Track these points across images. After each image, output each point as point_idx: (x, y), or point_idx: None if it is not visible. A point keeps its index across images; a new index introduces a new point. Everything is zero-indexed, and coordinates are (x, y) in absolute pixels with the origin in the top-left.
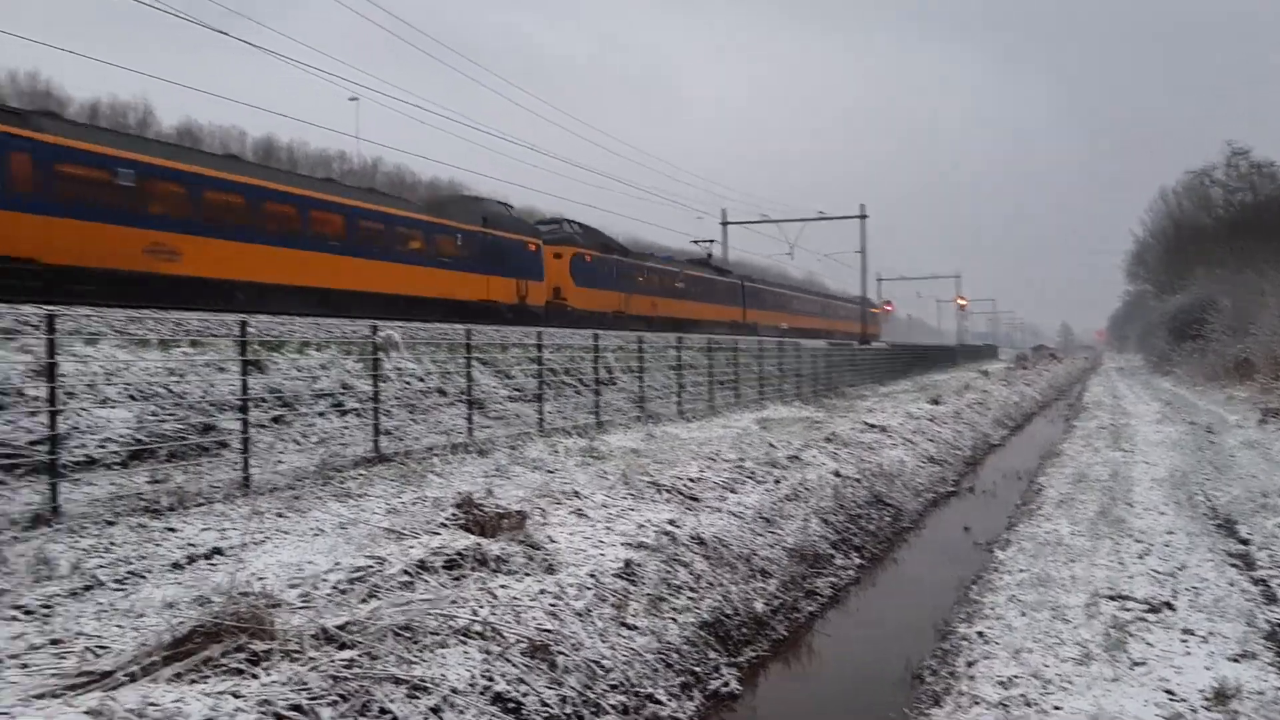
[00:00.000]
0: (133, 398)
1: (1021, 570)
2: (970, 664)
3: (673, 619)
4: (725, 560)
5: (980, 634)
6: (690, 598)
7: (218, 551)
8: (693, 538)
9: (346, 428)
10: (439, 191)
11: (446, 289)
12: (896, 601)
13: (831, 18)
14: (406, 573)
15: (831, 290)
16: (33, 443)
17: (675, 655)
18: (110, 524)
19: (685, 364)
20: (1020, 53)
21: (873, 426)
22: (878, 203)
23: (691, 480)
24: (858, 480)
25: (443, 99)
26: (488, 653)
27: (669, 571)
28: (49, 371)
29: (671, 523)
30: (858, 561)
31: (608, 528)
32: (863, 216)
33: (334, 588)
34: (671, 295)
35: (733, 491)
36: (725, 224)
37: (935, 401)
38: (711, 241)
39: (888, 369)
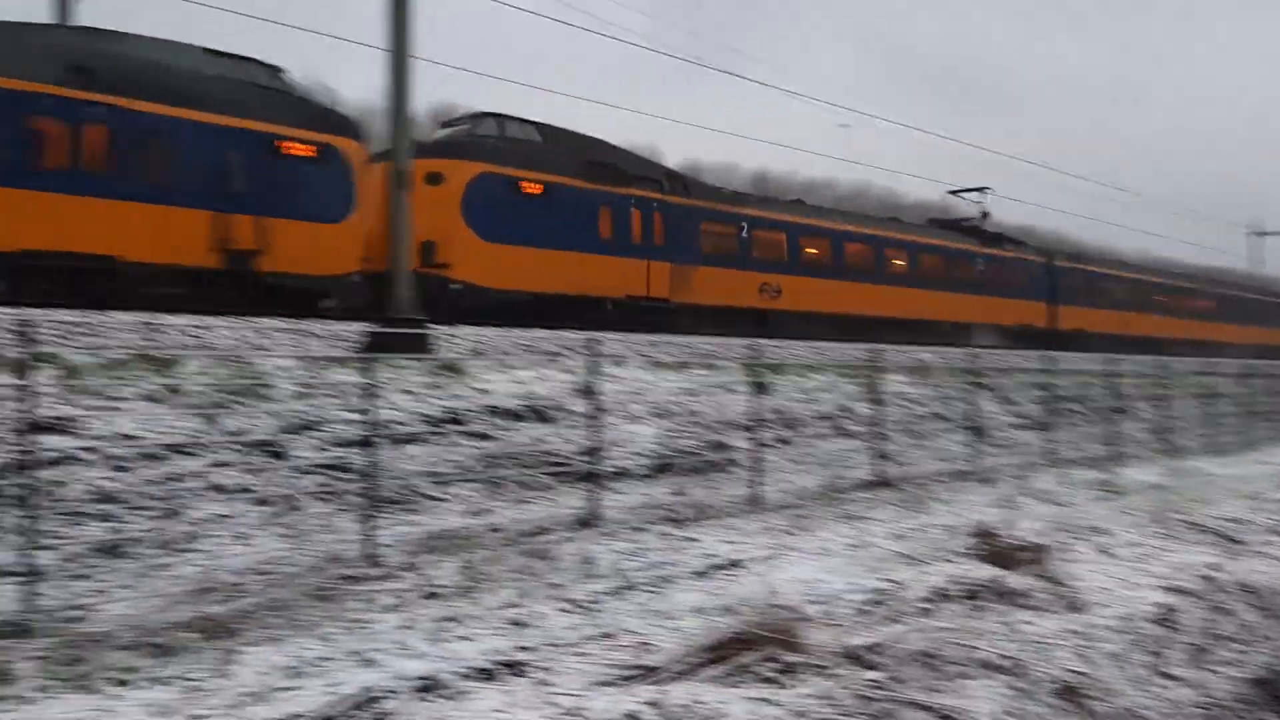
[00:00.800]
0: (658, 415)
1: None
2: None
3: (1218, 672)
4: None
5: None
6: (1238, 650)
7: (735, 563)
8: (1239, 585)
9: (846, 450)
10: (929, 213)
11: None
12: None
13: None
14: (925, 599)
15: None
16: (576, 454)
17: (1222, 711)
18: (639, 530)
19: (1216, 392)
20: None
21: None
22: None
23: (1232, 521)
24: None
25: (937, 120)
26: (1013, 689)
27: (1211, 620)
28: (588, 390)
29: (1212, 566)
30: None
31: (1136, 568)
32: None
33: (853, 607)
34: (824, 272)
35: None
36: (1260, 234)
37: None
38: (982, 190)
39: None
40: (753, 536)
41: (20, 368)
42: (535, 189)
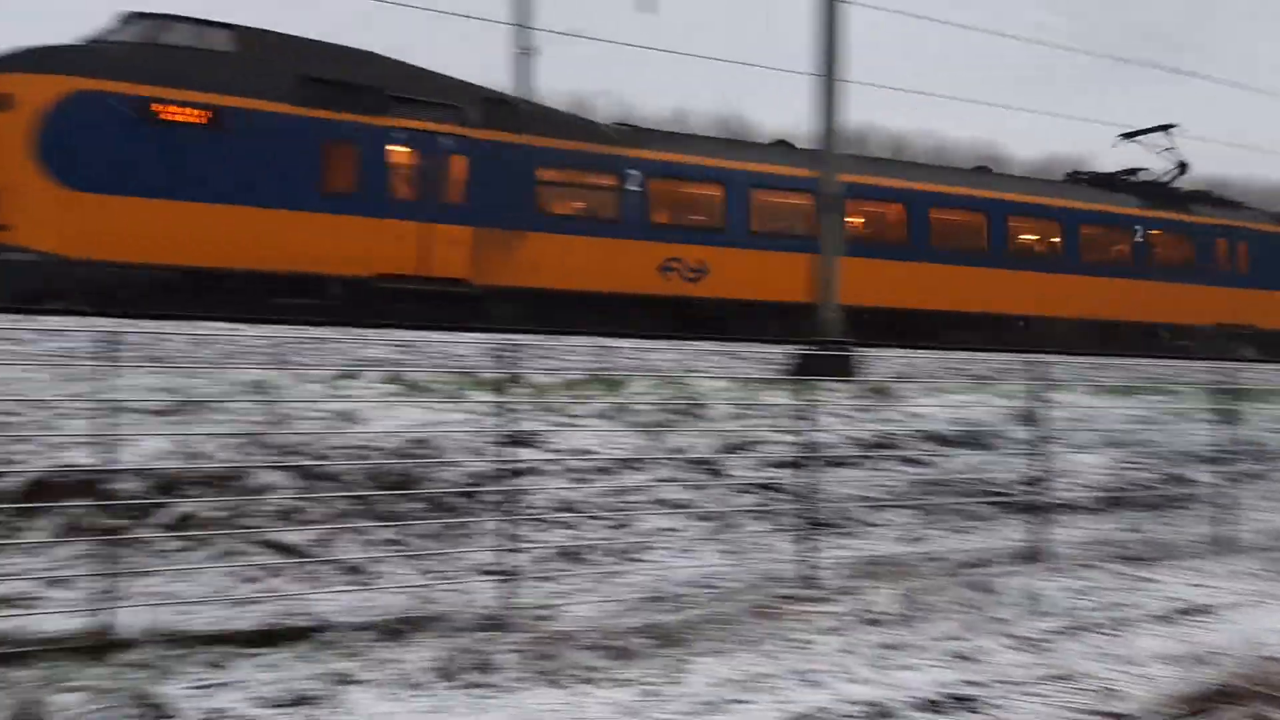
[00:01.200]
0: (1107, 444)
1: None
2: None
3: None
4: None
5: None
6: None
7: (1204, 609)
8: None
9: None
10: None
11: None
12: None
13: None
14: None
15: None
16: (1017, 483)
17: None
18: (1088, 567)
19: None
20: None
21: None
22: None
23: None
24: None
25: None
26: None
27: None
28: (1030, 416)
29: None
30: None
31: None
32: None
33: None
34: (807, 244)
35: None
36: None
37: None
38: (1166, 129)
39: None
40: (1222, 580)
41: (499, 386)
42: (191, 116)
